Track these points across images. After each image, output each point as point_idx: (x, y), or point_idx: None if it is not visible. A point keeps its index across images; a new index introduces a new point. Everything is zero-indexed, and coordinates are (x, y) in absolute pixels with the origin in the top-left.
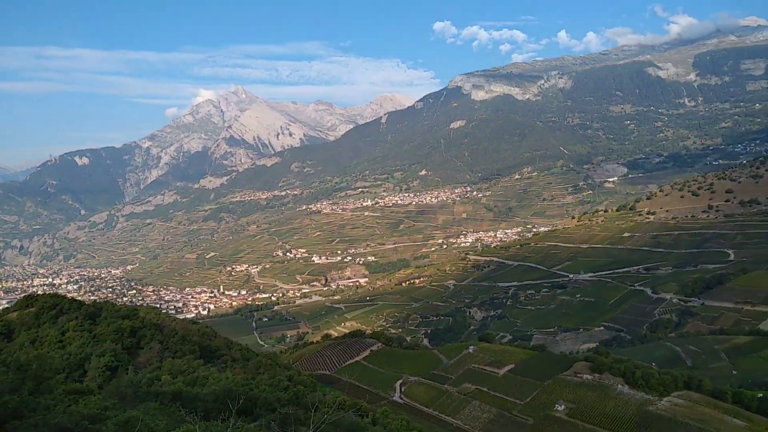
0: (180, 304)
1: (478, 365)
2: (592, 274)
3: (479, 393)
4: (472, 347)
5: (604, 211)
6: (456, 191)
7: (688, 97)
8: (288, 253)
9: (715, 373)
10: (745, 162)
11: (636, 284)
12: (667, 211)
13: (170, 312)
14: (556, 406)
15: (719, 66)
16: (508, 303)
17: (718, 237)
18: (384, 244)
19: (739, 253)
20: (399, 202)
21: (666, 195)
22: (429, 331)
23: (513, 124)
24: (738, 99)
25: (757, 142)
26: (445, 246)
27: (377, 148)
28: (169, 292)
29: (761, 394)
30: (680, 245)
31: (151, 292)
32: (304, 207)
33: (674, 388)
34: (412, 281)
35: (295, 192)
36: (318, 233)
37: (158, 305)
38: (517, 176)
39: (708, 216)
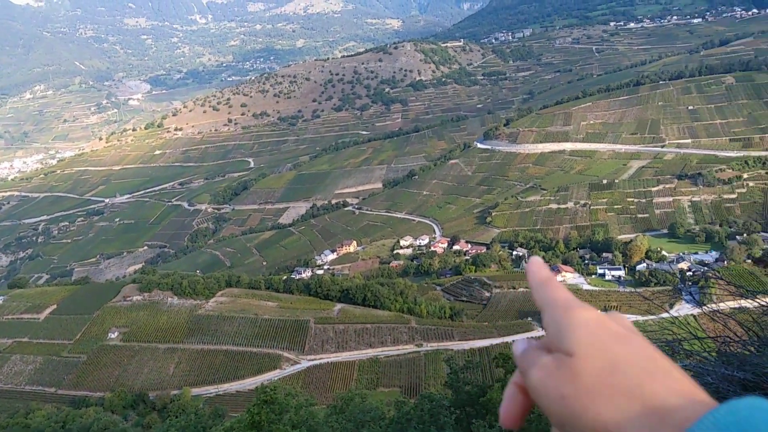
0: None
1: (12, 316)
2: (129, 196)
3: (19, 345)
4: (1, 297)
5: (133, 130)
6: None
7: (200, 14)
8: None
9: (250, 267)
10: (253, 78)
11: (173, 199)
12: (193, 126)
13: None
14: (110, 334)
15: None
16: (40, 240)
17: (239, 148)
18: None
19: (258, 160)
20: None
21: (190, 111)
22: None
23: (14, 34)
24: (242, 19)
25: (261, 59)
26: None
27: None
28: None
29: (285, 277)
30: (208, 158)
31: None
32: None
33: (218, 289)
34: None
35: None
36: None
37: None
38: (28, 95)
39: (229, 129)
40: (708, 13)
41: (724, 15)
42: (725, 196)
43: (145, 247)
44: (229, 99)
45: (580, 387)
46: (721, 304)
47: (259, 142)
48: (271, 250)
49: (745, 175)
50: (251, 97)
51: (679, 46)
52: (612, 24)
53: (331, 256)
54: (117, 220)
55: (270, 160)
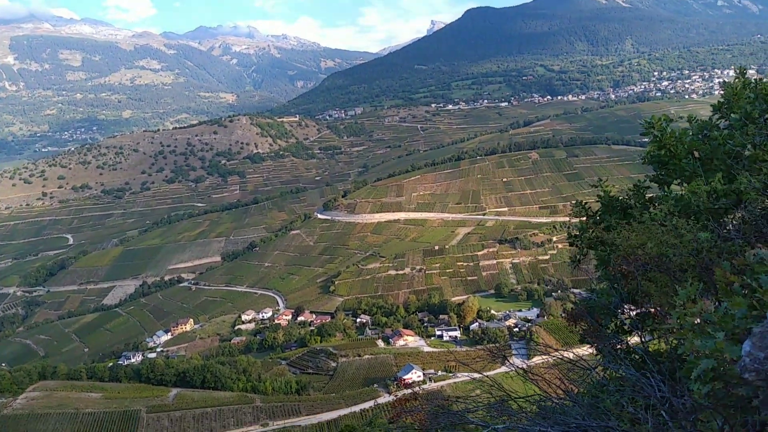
0: None
1: None
2: None
3: None
4: None
5: None
6: None
7: (9, 81)
8: None
9: (70, 356)
10: (73, 149)
11: None
12: (0, 201)
13: None
14: None
15: (38, 52)
16: None
17: (56, 223)
18: None
19: (78, 237)
20: None
21: None
22: None
23: None
24: (60, 87)
25: (82, 129)
26: None
27: None
28: None
29: (111, 363)
30: (18, 235)
31: None
32: None
33: (30, 383)
34: None
35: None
36: None
37: None
38: None
39: (44, 203)
40: (512, 98)
41: (525, 100)
42: (540, 258)
43: None
44: (44, 171)
45: None
46: (537, 359)
47: (79, 217)
48: (94, 335)
49: (555, 239)
50: (70, 168)
51: (491, 126)
52: (433, 105)
53: (165, 337)
54: None
55: (93, 236)
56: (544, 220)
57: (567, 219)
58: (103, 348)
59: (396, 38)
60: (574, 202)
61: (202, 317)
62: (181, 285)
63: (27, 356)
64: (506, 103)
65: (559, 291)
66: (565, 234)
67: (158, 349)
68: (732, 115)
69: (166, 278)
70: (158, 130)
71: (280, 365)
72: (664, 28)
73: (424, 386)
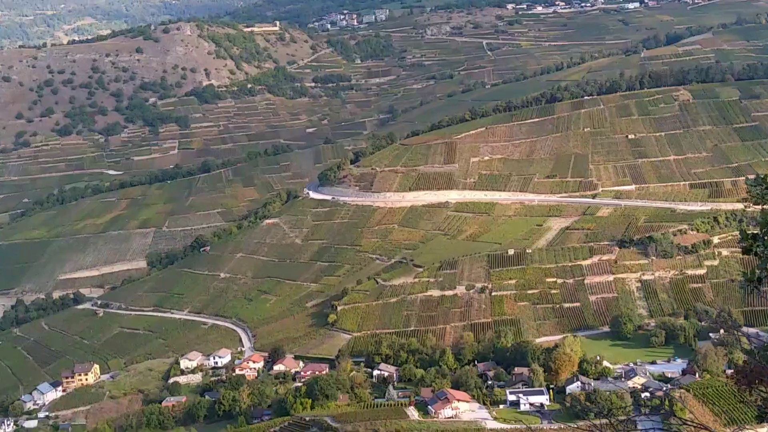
0: None
1: None
2: None
3: None
4: None
5: None
6: None
7: None
8: None
9: None
10: None
11: None
12: None
13: None
14: None
15: None
16: None
17: None
18: None
19: None
20: None
21: None
22: None
23: None
24: None
25: None
26: None
27: None
28: None
29: None
30: None
31: None
32: None
33: None
34: None
35: None
36: None
37: None
38: None
39: None
40: None
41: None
42: (690, 273)
43: None
44: None
45: None
46: None
47: None
48: None
49: (716, 240)
50: None
51: (609, 44)
52: (510, 6)
53: (53, 394)
54: None
55: None
56: (698, 207)
57: (741, 206)
58: None
59: None
60: (752, 176)
61: (115, 362)
62: (81, 307)
63: None
64: (636, 4)
65: (723, 331)
66: (736, 232)
67: (41, 414)
68: None
69: (56, 295)
70: (44, 45)
71: None
72: None
73: None
